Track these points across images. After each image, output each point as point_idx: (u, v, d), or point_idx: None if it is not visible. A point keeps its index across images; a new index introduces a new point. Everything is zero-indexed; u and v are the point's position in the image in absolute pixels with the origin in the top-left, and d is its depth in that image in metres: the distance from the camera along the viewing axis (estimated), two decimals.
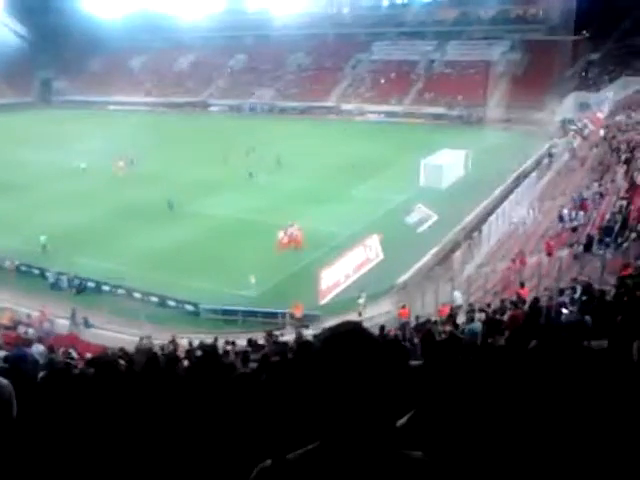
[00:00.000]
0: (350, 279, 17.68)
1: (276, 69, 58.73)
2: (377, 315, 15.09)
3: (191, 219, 23.22)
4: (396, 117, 46.02)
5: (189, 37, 64.93)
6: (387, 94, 49.55)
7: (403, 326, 12.06)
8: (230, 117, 53.36)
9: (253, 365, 6.15)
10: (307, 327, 14.39)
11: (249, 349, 9.66)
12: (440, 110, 44.54)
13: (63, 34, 64.74)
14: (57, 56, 65.35)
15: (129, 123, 46.98)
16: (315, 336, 6.84)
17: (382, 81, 51.12)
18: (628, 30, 41.53)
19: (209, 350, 7.14)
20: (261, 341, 11.30)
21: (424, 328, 9.80)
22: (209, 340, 11.77)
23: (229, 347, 10.27)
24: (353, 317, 14.16)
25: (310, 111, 50.95)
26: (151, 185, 28.16)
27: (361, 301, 15.85)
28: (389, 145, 36.00)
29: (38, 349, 9.09)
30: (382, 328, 10.25)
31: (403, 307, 14.25)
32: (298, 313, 15.64)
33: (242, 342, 11.03)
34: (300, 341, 8.98)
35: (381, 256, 18.76)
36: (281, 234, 20.37)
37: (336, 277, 17.36)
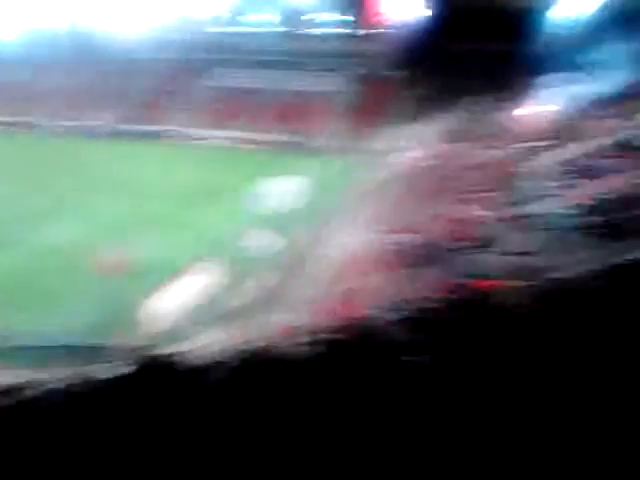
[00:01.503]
0: (184, 307, 17.26)
1: (117, 92, 56.51)
2: (213, 342, 14.83)
3: (6, 248, 21.35)
4: (237, 143, 46.14)
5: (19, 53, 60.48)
6: (229, 120, 49.53)
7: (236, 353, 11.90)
8: (67, 140, 50.38)
9: None
10: (135, 359, 13.68)
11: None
12: (280, 138, 45.26)
13: None
14: None
15: None
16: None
17: (224, 107, 51.05)
18: (447, 72, 45.56)
19: None
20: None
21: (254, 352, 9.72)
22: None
23: None
24: (188, 345, 13.79)
25: (150, 135, 49.51)
26: None
27: (196, 329, 15.49)
28: (229, 171, 35.95)
29: None
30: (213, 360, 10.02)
31: (240, 332, 14.15)
32: (126, 344, 14.88)
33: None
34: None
35: (216, 282, 18.54)
36: (106, 260, 19.21)
37: (169, 305, 16.87)
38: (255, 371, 6.22)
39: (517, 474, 2.94)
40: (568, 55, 30.86)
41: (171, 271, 18.41)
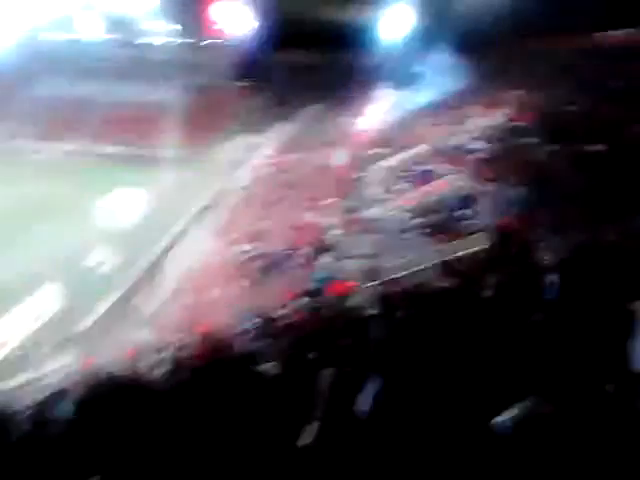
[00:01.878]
0: (24, 332, 16.17)
1: None
2: (58, 369, 14.10)
3: None
4: (70, 156, 43.62)
5: None
6: (59, 133, 46.71)
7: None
8: None
9: None
10: None
11: None
12: (115, 149, 43.57)
13: None
14: None
15: None
16: None
17: (57, 119, 48.07)
18: (282, 83, 46.80)
19: None
20: None
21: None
22: None
23: None
24: (27, 376, 13.00)
25: None
26: None
27: (38, 356, 14.59)
28: (66, 185, 33.86)
29: None
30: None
31: (87, 356, 13.58)
32: None
33: None
34: None
35: (60, 303, 17.56)
36: None
37: (7, 330, 15.73)
38: (102, 398, 6.12)
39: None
40: (397, 65, 32.95)
41: (9, 295, 17.10)
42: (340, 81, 43.30)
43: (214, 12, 40.67)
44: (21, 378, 13.34)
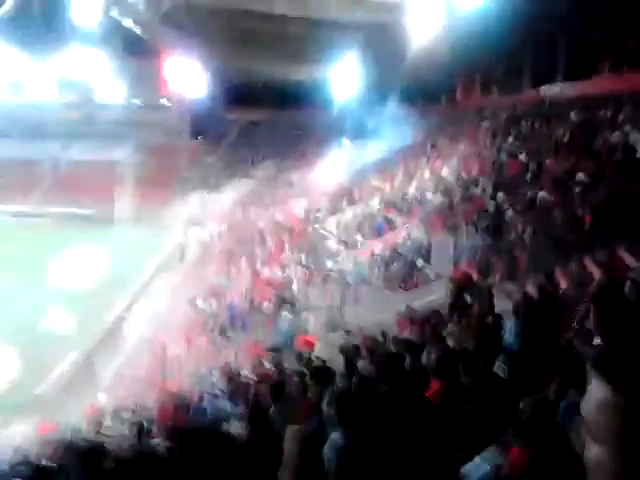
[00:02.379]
0: None
1: None
2: (13, 435, 13.60)
3: None
4: (22, 217, 42.86)
5: None
6: (10, 193, 45.99)
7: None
8: None
9: None
10: None
11: None
12: (69, 209, 43.09)
13: None
14: None
15: None
16: None
17: (2, 180, 47.41)
18: (235, 140, 47.53)
19: None
20: None
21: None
22: None
23: None
24: None
25: None
26: None
27: None
28: (16, 246, 33.21)
29: None
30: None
31: (45, 421, 13.15)
32: None
33: None
34: None
35: (16, 368, 17.01)
36: None
37: None
38: (63, 463, 6.02)
39: None
40: (349, 120, 33.83)
41: None
42: (294, 137, 44.22)
43: (166, 72, 41.21)
44: None
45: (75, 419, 13.25)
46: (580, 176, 12.05)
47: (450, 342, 5.91)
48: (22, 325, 20.24)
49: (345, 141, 32.86)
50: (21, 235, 36.29)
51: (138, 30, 40.41)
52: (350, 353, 7.02)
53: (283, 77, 39.82)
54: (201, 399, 9.62)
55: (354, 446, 3.42)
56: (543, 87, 24.94)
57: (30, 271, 27.16)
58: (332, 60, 31.55)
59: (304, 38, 29.02)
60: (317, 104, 39.45)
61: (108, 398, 13.93)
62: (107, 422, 10.88)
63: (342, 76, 33.35)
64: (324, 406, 4.11)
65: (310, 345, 10.12)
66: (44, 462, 7.69)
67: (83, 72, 45.87)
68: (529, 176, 14.15)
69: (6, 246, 32.84)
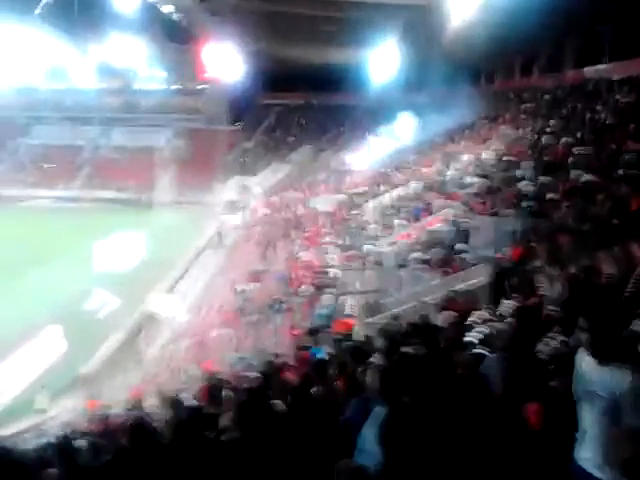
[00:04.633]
0: (26, 378, 16.10)
1: None
2: (63, 411, 14.05)
3: None
4: (64, 202, 43.81)
5: None
6: (52, 179, 46.98)
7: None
8: None
9: None
10: None
11: None
12: (110, 194, 43.84)
13: None
14: None
15: None
16: None
17: (45, 166, 48.37)
18: (273, 125, 47.51)
19: None
20: None
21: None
22: None
23: None
24: (35, 419, 12.97)
25: None
26: None
27: (42, 399, 14.55)
28: (60, 231, 33.99)
29: None
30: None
31: (91, 399, 13.57)
32: None
33: None
34: None
35: (62, 348, 17.52)
36: None
37: (7, 377, 15.65)
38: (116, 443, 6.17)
39: None
40: (387, 104, 33.57)
41: (9, 342, 17.06)
42: (331, 121, 43.98)
43: (205, 57, 41.43)
44: (26, 423, 13.32)
45: (120, 398, 13.64)
46: (625, 158, 11.76)
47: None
48: (68, 306, 20.81)
49: (383, 125, 32.62)
50: (64, 219, 37.13)
51: (176, 16, 40.61)
52: (391, 335, 7.02)
53: (321, 61, 39.58)
54: (242, 379, 9.74)
55: (399, 419, 3.46)
56: (587, 67, 24.30)
57: (73, 254, 27.78)
58: (370, 43, 31.22)
59: (342, 21, 28.79)
60: (355, 88, 39.17)
61: (151, 378, 14.28)
62: (151, 401, 11.16)
63: (380, 59, 33.00)
64: (368, 379, 4.17)
65: (348, 328, 10.17)
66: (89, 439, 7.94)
67: (123, 58, 46.34)
68: (571, 159, 13.85)
69: (50, 230, 33.70)
